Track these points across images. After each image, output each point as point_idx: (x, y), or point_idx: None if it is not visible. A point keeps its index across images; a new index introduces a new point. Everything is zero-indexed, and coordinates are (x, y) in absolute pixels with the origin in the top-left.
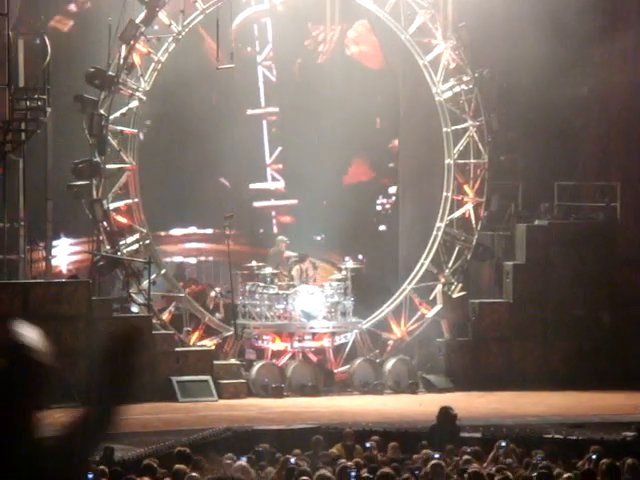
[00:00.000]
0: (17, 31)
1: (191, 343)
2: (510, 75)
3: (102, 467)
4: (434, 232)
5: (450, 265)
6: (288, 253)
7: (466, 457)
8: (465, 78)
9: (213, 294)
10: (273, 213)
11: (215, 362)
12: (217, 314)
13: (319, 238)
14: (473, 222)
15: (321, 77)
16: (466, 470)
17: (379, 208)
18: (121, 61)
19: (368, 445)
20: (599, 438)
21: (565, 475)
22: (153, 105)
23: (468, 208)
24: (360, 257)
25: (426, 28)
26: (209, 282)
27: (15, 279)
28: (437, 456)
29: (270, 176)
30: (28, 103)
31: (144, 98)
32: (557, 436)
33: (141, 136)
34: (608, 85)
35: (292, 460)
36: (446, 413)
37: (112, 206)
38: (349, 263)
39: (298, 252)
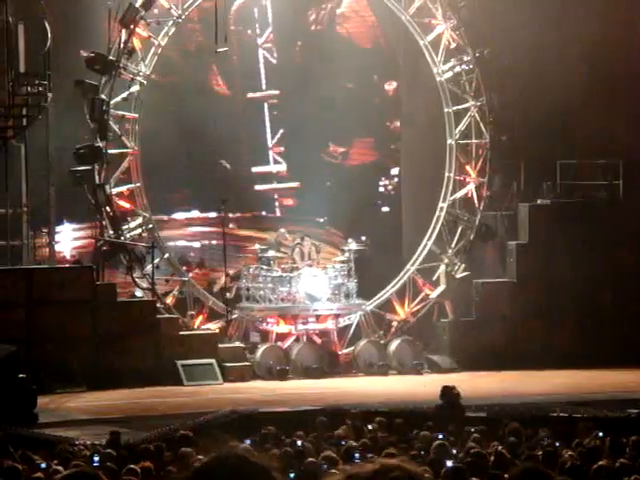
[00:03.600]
0: (17, 16)
1: (195, 327)
2: (510, 54)
3: (109, 451)
4: (437, 213)
5: (453, 245)
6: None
7: (475, 436)
8: (466, 58)
9: (223, 280)
10: (275, 196)
11: (220, 345)
12: (227, 294)
13: (322, 220)
14: (476, 202)
15: (322, 58)
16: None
17: (381, 189)
18: (121, 45)
19: (370, 427)
20: (603, 416)
21: (569, 453)
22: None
23: (470, 188)
24: (363, 239)
25: (426, 8)
26: (213, 267)
27: (19, 265)
28: (441, 436)
29: (272, 159)
30: (29, 89)
31: (145, 82)
32: (562, 414)
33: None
34: (607, 63)
35: (299, 442)
36: (448, 392)
37: (114, 191)
38: (352, 245)
39: (297, 235)
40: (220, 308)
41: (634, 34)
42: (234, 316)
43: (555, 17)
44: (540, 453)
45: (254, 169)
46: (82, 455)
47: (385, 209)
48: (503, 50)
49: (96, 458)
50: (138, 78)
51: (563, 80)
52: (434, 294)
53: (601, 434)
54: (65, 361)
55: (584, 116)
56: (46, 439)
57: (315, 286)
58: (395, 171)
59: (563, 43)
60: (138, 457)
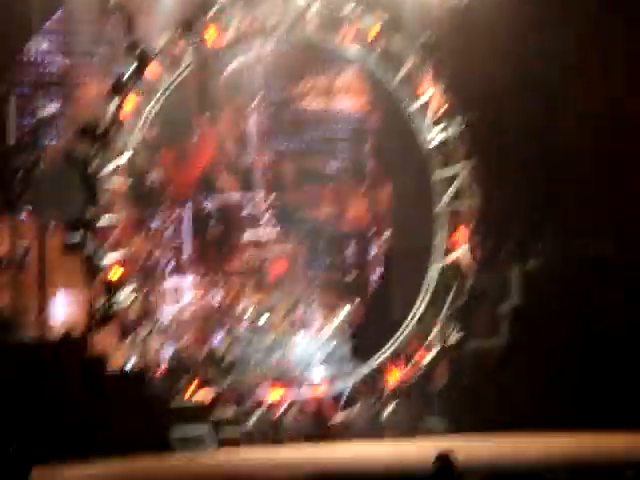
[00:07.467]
0: (9, 87)
1: (188, 395)
2: (498, 115)
3: None
4: (428, 276)
5: (445, 309)
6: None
7: None
8: (454, 122)
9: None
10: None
11: (213, 412)
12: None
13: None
14: (467, 266)
15: (310, 123)
16: None
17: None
18: (112, 115)
19: None
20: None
21: None
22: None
23: (461, 252)
24: (356, 302)
25: (414, 74)
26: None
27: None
28: None
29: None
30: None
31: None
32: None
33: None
34: (594, 114)
35: None
36: (444, 459)
37: (107, 259)
38: (345, 309)
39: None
40: (213, 375)
41: (628, 85)
42: (227, 382)
43: (541, 78)
44: None
45: (245, 236)
46: None
47: (378, 273)
48: (492, 112)
49: None
50: (128, 147)
51: (552, 139)
52: (427, 358)
53: None
54: (58, 431)
55: (575, 176)
56: None
57: (308, 351)
58: (386, 235)
59: (550, 101)
60: None
